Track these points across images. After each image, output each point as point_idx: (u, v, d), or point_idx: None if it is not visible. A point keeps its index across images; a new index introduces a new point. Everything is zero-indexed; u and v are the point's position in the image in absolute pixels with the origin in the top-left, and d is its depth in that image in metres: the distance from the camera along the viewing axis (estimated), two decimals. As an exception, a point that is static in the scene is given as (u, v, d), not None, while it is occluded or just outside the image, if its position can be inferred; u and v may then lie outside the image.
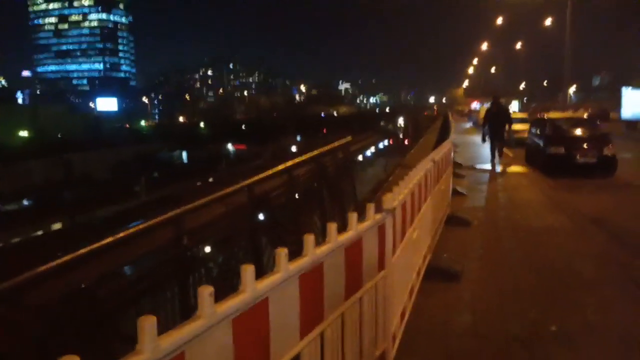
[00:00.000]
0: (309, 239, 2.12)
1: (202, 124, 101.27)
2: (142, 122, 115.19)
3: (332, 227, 2.32)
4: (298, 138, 73.94)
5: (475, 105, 75.80)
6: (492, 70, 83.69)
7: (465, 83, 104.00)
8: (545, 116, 16.60)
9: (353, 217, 2.53)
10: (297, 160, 6.04)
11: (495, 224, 7.41)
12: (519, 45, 62.00)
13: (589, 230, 6.93)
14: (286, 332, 1.98)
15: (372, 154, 51.42)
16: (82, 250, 2.60)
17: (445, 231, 6.61)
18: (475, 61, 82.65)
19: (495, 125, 14.36)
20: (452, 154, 8.69)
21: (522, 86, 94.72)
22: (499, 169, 13.74)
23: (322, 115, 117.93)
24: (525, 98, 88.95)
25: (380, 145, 65.77)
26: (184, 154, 72.09)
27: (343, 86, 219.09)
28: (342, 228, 2.49)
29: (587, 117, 17.27)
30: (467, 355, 3.60)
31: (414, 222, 3.99)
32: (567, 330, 3.90)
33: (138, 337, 1.25)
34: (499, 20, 53.75)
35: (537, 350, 3.63)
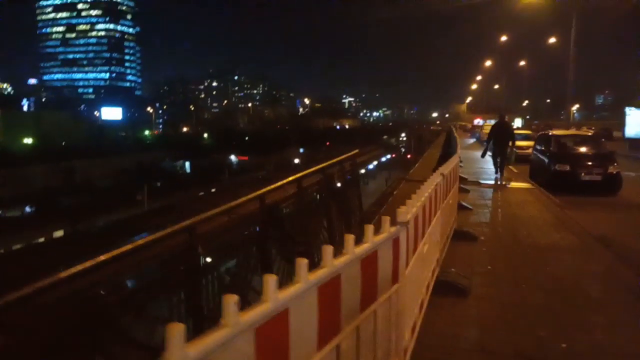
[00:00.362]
0: (328, 250, 2.11)
1: (205, 135, 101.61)
2: (146, 132, 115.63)
3: (350, 238, 2.31)
4: (301, 150, 74.11)
5: (478, 121, 76.04)
6: (496, 87, 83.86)
7: (469, 99, 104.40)
8: (551, 133, 16.60)
9: (369, 229, 2.52)
10: (306, 171, 6.04)
11: (501, 239, 7.38)
12: (522, 63, 62.30)
13: (595, 249, 6.89)
14: (304, 343, 1.96)
15: (375, 167, 51.43)
16: (100, 257, 2.60)
17: (452, 246, 6.58)
18: (478, 78, 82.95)
19: (499, 142, 14.65)
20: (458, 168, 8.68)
21: (525, 103, 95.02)
22: (501, 182, 13.90)
23: (337, 127, 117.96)
24: (527, 116, 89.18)
25: (383, 159, 65.85)
26: (187, 164, 72.26)
27: (347, 100, 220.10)
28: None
29: (592, 135, 17.26)
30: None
31: (425, 236, 3.98)
32: (575, 350, 3.86)
33: (166, 345, 1.23)
34: (503, 38, 54.13)
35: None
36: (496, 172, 14.66)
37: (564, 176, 13.50)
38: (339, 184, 7.70)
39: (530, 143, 21.26)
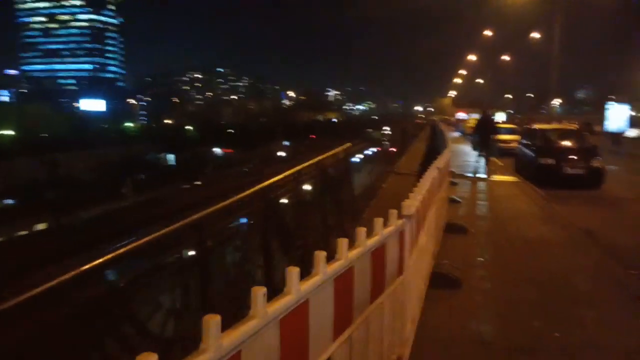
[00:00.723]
0: (343, 242, 2.15)
1: (189, 127, 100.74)
2: (129, 124, 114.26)
3: (362, 231, 2.35)
4: (286, 143, 73.90)
5: (461, 115, 76.54)
6: (479, 81, 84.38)
7: (453, 93, 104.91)
8: (536, 127, 16.84)
9: (379, 222, 2.57)
10: (304, 165, 6.07)
11: (491, 233, 7.50)
12: (506, 58, 62.78)
13: (583, 243, 7.04)
14: (322, 333, 2.00)
15: (360, 160, 51.61)
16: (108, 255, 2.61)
17: (445, 238, 6.67)
18: (463, 72, 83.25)
19: (484, 135, 15.33)
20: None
21: (507, 97, 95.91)
22: (480, 175, 14.24)
23: (321, 120, 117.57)
24: (511, 110, 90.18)
25: (369, 152, 65.96)
26: (171, 157, 71.61)
27: (331, 93, 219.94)
28: (344, 234, 2.53)
29: (577, 129, 17.56)
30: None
31: (423, 229, 4.05)
32: (570, 342, 3.96)
33: (202, 336, 1.26)
34: (488, 32, 54.48)
35: None
36: (479, 162, 15.19)
37: (549, 170, 13.71)
38: (333, 177, 7.75)
39: (515, 137, 21.57)
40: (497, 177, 14.05)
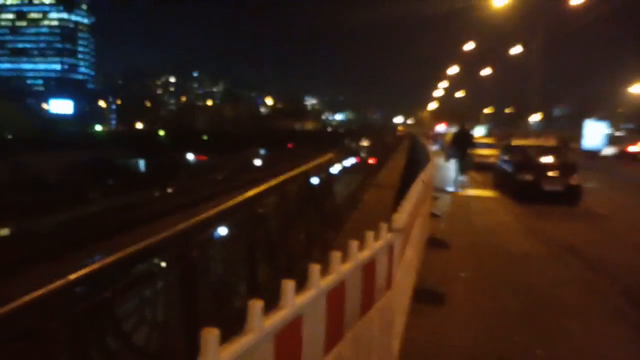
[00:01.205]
0: (336, 255, 2.16)
1: (161, 132, 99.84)
2: (99, 127, 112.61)
3: (354, 244, 2.36)
4: (262, 152, 73.77)
5: (440, 127, 77.63)
6: (460, 94, 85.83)
7: (433, 105, 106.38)
8: (514, 143, 17.21)
9: (370, 235, 2.58)
10: (290, 174, 6.09)
11: (473, 247, 7.61)
12: (486, 71, 64.01)
13: (564, 258, 7.20)
14: (314, 349, 2.00)
15: (340, 171, 51.79)
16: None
17: (426, 253, 6.74)
18: (443, 84, 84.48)
19: (460, 148, 16.31)
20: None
21: (486, 111, 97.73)
22: (459, 189, 14.81)
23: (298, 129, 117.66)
24: (490, 124, 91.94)
25: (347, 164, 66.31)
26: (142, 162, 70.70)
27: (310, 101, 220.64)
28: (327, 245, 2.55)
29: (556, 146, 18.00)
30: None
31: (409, 243, 4.09)
32: (555, 355, 4.04)
33: (202, 349, 1.27)
34: (468, 46, 55.53)
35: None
36: (457, 175, 15.98)
37: (527, 185, 13.98)
38: (316, 187, 7.76)
39: (493, 151, 22.00)
40: (475, 192, 14.28)
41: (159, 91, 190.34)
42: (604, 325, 4.69)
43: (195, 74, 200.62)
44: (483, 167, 21.31)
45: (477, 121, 74.48)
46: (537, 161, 15.23)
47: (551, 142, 20.82)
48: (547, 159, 15.28)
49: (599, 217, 12.17)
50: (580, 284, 5.93)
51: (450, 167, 17.75)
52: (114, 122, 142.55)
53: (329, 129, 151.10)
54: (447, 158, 17.93)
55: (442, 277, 5.82)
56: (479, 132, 62.61)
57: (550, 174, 14.17)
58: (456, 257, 6.93)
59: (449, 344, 4.21)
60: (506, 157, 16.29)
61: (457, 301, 5.17)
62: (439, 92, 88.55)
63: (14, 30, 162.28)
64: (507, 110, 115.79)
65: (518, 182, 14.17)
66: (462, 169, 16.27)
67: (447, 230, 8.57)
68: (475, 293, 5.48)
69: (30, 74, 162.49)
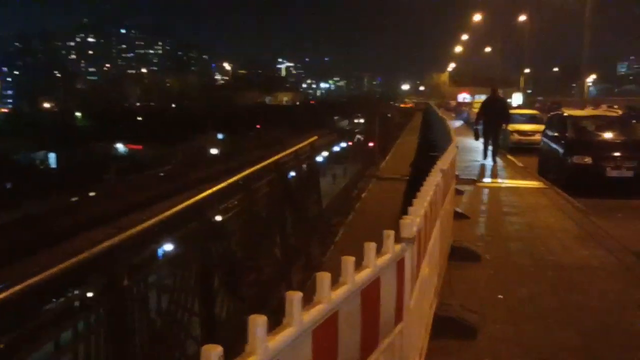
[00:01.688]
0: (324, 278, 2.13)
1: (78, 114, 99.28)
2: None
3: (349, 262, 2.32)
4: (220, 136, 73.53)
5: (464, 97, 78.04)
6: (487, 50, 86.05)
7: (451, 67, 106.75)
8: (566, 114, 17.29)
9: (371, 247, 2.55)
10: (256, 167, 6.01)
11: (512, 259, 7.63)
12: (522, 18, 64.17)
13: (637, 271, 7.26)
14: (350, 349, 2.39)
15: (325, 159, 51.84)
16: None
17: (451, 268, 6.75)
18: (464, 37, 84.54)
19: (491, 123, 16.98)
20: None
21: (526, 72, 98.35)
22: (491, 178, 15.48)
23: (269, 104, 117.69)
24: (529, 90, 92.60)
25: (337, 149, 66.38)
26: (52, 156, 70.16)
27: (284, 65, 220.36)
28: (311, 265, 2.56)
29: (621, 116, 18.14)
30: None
31: (426, 256, 4.08)
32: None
33: (249, 337, 1.56)
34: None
35: None
36: (484, 158, 17.21)
37: (585, 171, 14.10)
38: (293, 184, 7.70)
39: (537, 127, 22.14)
40: (514, 182, 14.36)
41: (73, 56, 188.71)
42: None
43: (123, 31, 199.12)
44: (524, 148, 21.46)
45: (512, 86, 74.98)
46: (598, 138, 15.35)
47: (614, 111, 21.05)
48: (611, 135, 15.40)
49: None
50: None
51: (480, 149, 17.99)
52: (10, 101, 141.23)
53: (312, 102, 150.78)
54: (476, 136, 18.70)
55: (471, 301, 5.82)
56: (515, 100, 63.17)
57: (615, 154, 14.29)
58: (491, 274, 6.95)
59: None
60: (555, 134, 16.38)
61: (492, 336, 5.17)
62: (459, 49, 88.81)
63: None
64: (554, 70, 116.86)
65: (572, 166, 14.30)
66: (495, 150, 16.97)
67: (478, 237, 8.59)
68: (516, 324, 5.49)
69: None
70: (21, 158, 67.09)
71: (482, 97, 36.96)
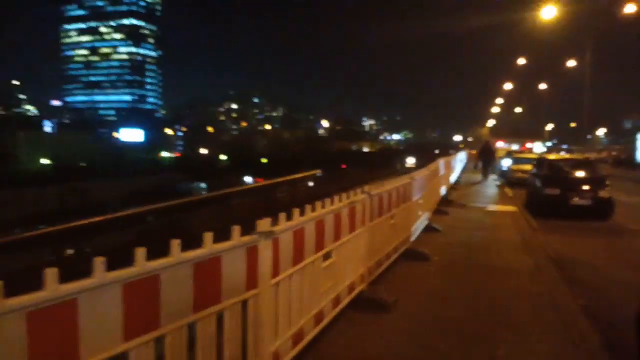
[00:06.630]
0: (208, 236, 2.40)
1: (223, 157, 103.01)
2: (165, 153, 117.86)
3: (175, 244, 2.59)
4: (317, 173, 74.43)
5: (500, 144, 75.53)
6: (517, 110, 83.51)
7: (491, 122, 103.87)
8: (545, 157, 16.67)
9: (208, 237, 2.80)
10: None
11: (454, 261, 7.52)
12: (543, 86, 62.00)
13: (546, 271, 6.98)
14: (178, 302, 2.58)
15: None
16: None
17: (398, 265, 6.78)
18: (499, 101, 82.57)
19: (486, 158, 24.40)
20: (415, 195, 8.88)
21: (549, 127, 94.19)
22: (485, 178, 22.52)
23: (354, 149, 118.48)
24: (554, 140, 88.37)
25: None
26: (203, 185, 73.19)
27: (367, 123, 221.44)
28: None
29: (586, 159, 17.28)
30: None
31: (322, 251, 4.24)
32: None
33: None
34: (522, 61, 54.23)
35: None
36: (482, 178, 23.42)
37: (554, 200, 13.54)
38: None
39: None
40: (496, 207, 13.97)
41: (222, 117, 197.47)
42: (542, 340, 4.58)
43: (255, 100, 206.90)
44: (523, 183, 20.72)
45: (536, 137, 71.97)
46: (566, 175, 14.72)
47: (582, 155, 20.16)
48: (577, 172, 14.71)
49: (624, 233, 11.59)
50: (544, 298, 5.77)
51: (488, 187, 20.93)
52: (180, 148, 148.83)
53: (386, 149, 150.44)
54: (476, 166, 25.73)
55: (399, 288, 5.86)
56: (537, 148, 60.35)
57: (578, 187, 13.65)
58: (429, 271, 6.87)
59: (366, 350, 4.30)
60: (536, 172, 15.82)
61: (401, 312, 5.18)
62: (496, 109, 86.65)
63: (87, 65, 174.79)
64: (572, 125, 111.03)
65: (545, 196, 13.76)
66: (488, 174, 23.58)
67: (438, 244, 8.47)
68: (424, 304, 5.48)
69: (103, 105, 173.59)
70: (182, 186, 70.28)
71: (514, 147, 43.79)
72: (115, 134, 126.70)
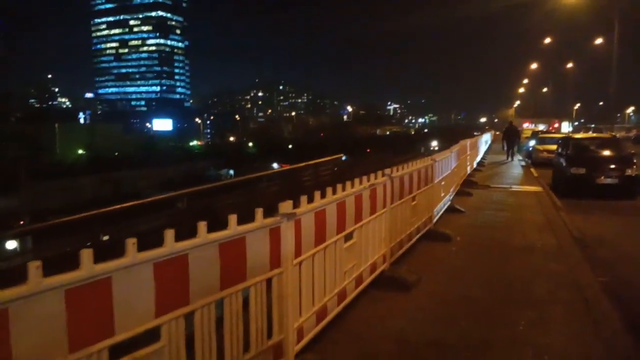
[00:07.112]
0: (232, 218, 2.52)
1: (250, 144, 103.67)
2: (194, 142, 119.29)
3: (202, 226, 2.70)
4: (343, 158, 74.29)
5: (526, 125, 74.02)
6: (544, 90, 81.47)
7: (516, 103, 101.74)
8: (570, 136, 16.34)
9: (233, 219, 2.91)
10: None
11: (477, 241, 7.47)
12: (569, 65, 60.32)
13: (568, 251, 6.91)
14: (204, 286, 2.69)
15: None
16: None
17: (421, 245, 6.82)
18: (525, 81, 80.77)
19: (510, 139, 24.01)
20: (438, 172, 8.83)
21: (577, 107, 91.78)
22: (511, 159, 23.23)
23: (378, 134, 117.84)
24: (582, 119, 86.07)
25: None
26: (231, 172, 73.99)
27: (391, 107, 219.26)
28: None
29: (612, 137, 16.87)
30: (377, 357, 3.86)
31: (344, 232, 4.31)
32: (488, 340, 4.07)
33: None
34: (548, 40, 52.84)
35: (449, 356, 3.86)
36: (507, 158, 23.55)
37: (580, 179, 13.32)
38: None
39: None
40: (520, 187, 13.80)
41: (248, 105, 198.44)
42: (561, 318, 4.58)
43: (280, 88, 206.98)
44: (547, 163, 20.38)
45: (563, 117, 70.22)
46: (591, 154, 14.45)
47: (607, 134, 19.68)
48: (602, 151, 14.43)
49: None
50: (564, 277, 5.74)
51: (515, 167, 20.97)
52: (209, 136, 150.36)
53: (412, 132, 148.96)
54: (503, 147, 24.54)
55: (421, 267, 5.89)
56: (564, 128, 58.89)
57: (604, 166, 13.40)
58: (450, 251, 6.87)
59: (387, 327, 4.37)
60: (561, 151, 15.54)
61: (422, 290, 5.22)
62: (522, 90, 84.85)
63: (117, 57, 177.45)
64: (599, 104, 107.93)
65: (570, 176, 13.55)
66: (513, 153, 23.75)
67: (461, 225, 8.44)
68: (444, 283, 5.48)
69: (134, 96, 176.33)
70: (211, 173, 71.20)
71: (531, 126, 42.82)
72: (148, 124, 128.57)
